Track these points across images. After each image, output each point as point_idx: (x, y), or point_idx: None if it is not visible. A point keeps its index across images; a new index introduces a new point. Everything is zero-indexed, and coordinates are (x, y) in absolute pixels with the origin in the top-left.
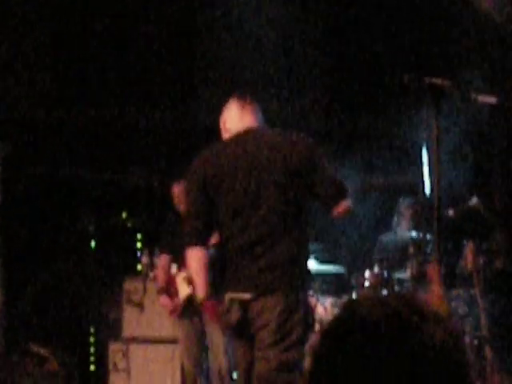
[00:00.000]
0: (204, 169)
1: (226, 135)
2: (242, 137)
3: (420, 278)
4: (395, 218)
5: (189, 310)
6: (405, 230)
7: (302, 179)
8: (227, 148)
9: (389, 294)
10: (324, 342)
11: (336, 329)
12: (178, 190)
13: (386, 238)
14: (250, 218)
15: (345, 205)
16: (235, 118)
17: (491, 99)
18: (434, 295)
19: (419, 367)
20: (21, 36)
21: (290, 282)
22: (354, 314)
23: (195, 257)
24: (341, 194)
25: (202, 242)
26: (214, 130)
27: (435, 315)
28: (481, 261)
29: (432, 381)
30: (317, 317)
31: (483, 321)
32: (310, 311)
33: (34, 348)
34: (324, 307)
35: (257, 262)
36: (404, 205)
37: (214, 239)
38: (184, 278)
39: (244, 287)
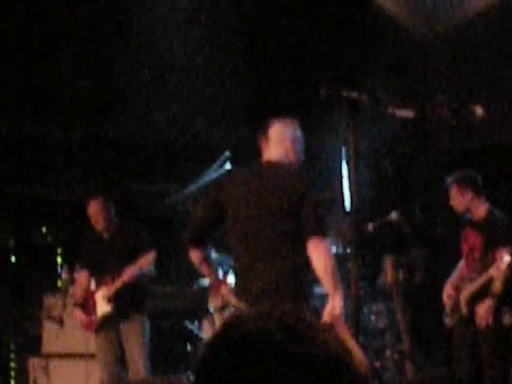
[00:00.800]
0: (218, 193)
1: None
2: (258, 170)
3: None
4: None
5: (105, 326)
6: (330, 244)
7: (298, 208)
8: (243, 177)
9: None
10: (208, 356)
11: (222, 340)
12: (93, 209)
13: None
14: (257, 239)
15: (318, 245)
16: (262, 149)
17: (409, 113)
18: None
19: (303, 378)
20: None
21: (294, 294)
22: (237, 327)
23: (193, 257)
24: (316, 228)
25: (196, 245)
26: (132, 144)
27: (319, 329)
28: (400, 275)
29: None
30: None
31: (403, 334)
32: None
33: None
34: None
35: (261, 278)
36: (335, 221)
37: None
38: (104, 296)
39: (251, 302)
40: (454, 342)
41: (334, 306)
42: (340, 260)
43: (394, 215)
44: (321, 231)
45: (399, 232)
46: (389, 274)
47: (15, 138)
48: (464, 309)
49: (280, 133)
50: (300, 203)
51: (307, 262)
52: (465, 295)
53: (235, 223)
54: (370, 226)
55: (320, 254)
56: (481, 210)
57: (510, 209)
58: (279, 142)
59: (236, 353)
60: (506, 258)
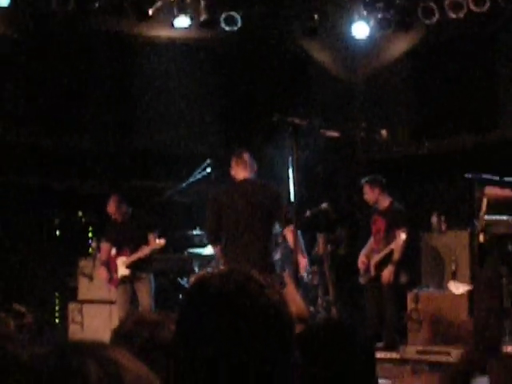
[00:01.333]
0: (218, 202)
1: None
2: (240, 184)
3: (286, 260)
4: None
5: (123, 283)
6: (279, 226)
7: (272, 211)
8: (232, 190)
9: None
10: (185, 305)
11: (195, 290)
12: (111, 205)
13: None
14: (245, 230)
15: (290, 230)
16: (233, 171)
17: (335, 134)
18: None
19: (256, 323)
20: None
21: (264, 264)
22: (206, 284)
23: (216, 252)
24: (287, 222)
25: (216, 242)
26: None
27: (270, 284)
28: (329, 247)
29: (265, 331)
30: None
31: (330, 288)
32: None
33: (16, 306)
34: None
35: (247, 255)
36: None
37: None
38: (123, 262)
39: None
40: (365, 294)
41: (304, 263)
42: (285, 237)
43: (324, 205)
44: (291, 223)
45: (328, 217)
46: (321, 246)
47: (64, 146)
48: (373, 271)
49: (251, 159)
50: (275, 207)
51: (272, 246)
52: (373, 262)
53: (228, 222)
54: (308, 213)
55: (292, 236)
56: (385, 202)
57: (404, 201)
58: (250, 165)
59: (202, 300)
60: (402, 236)
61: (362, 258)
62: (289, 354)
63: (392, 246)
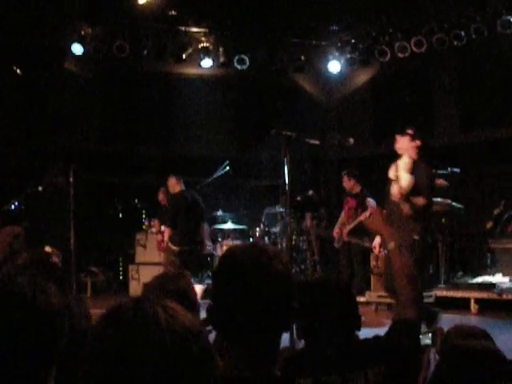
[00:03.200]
0: None
1: None
2: None
3: (284, 232)
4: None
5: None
6: (278, 207)
7: None
8: None
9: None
10: (217, 269)
11: (225, 260)
12: (161, 193)
13: (268, 210)
14: None
15: None
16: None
17: (316, 141)
18: None
19: (272, 287)
20: None
21: None
22: (233, 253)
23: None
24: None
25: None
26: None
27: (277, 255)
28: (314, 222)
29: (276, 294)
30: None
31: (315, 252)
32: None
33: (92, 268)
34: None
35: None
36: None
37: None
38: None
39: None
40: (339, 257)
41: None
42: (282, 216)
43: (310, 192)
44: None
45: (313, 200)
46: (308, 222)
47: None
48: (345, 237)
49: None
50: None
51: None
52: (345, 231)
53: None
54: (299, 198)
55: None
56: (357, 188)
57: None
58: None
59: (229, 266)
60: (366, 214)
61: (336, 229)
62: (290, 303)
63: (364, 215)
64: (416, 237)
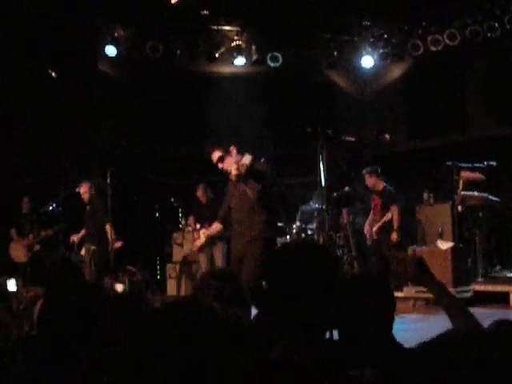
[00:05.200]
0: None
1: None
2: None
3: (321, 228)
4: (313, 198)
5: (203, 247)
6: (313, 203)
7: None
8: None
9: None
10: (272, 259)
11: (280, 253)
12: (200, 190)
13: (304, 207)
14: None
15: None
16: None
17: (351, 138)
18: None
19: (323, 271)
20: None
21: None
22: (288, 247)
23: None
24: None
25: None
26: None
27: (321, 246)
28: (350, 218)
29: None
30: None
31: (352, 248)
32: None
33: (129, 267)
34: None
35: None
36: (315, 193)
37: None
38: (203, 233)
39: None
40: (371, 251)
41: None
42: (319, 212)
43: (347, 188)
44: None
45: (349, 197)
46: (345, 217)
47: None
48: (375, 235)
49: None
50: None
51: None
52: (375, 229)
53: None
54: (335, 194)
55: None
56: (380, 185)
57: (403, 183)
58: None
59: (282, 260)
60: (393, 210)
61: (366, 227)
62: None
63: (387, 216)
64: None
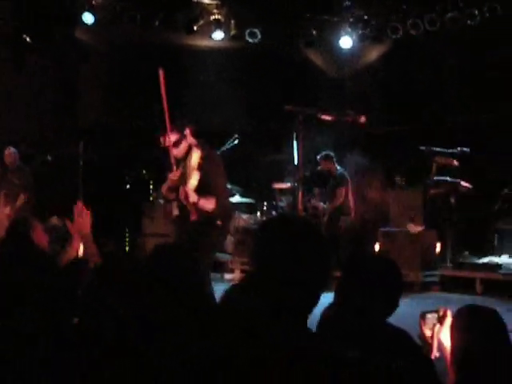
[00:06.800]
0: None
1: None
2: None
3: (291, 206)
4: (286, 176)
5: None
6: (286, 181)
7: None
8: None
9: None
10: (260, 234)
11: (270, 225)
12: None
13: (276, 184)
14: None
15: None
16: None
17: (328, 117)
18: None
19: (318, 247)
20: None
21: None
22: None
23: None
24: None
25: None
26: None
27: (310, 223)
28: (323, 199)
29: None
30: (239, 225)
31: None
32: None
33: (102, 240)
34: (243, 219)
35: None
36: (288, 171)
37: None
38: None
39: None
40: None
41: None
42: (293, 189)
43: (319, 168)
44: None
45: (323, 176)
46: (316, 196)
47: None
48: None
49: None
50: None
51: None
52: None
53: None
54: (307, 173)
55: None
56: (334, 169)
57: (377, 166)
58: None
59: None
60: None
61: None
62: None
63: (338, 200)
64: None
